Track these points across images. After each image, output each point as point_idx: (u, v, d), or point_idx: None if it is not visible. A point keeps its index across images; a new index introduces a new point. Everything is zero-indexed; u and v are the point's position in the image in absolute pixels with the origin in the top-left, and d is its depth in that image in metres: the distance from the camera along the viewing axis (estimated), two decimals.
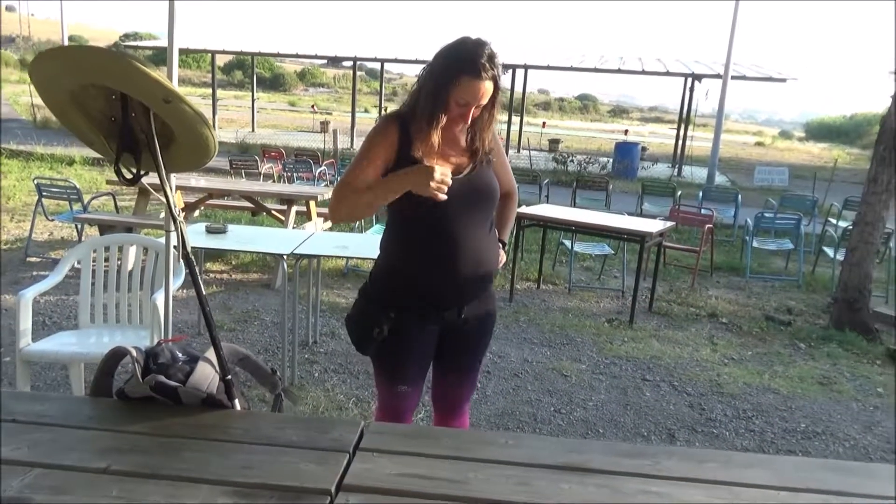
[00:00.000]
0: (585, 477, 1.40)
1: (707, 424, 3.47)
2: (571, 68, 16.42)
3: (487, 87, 1.78)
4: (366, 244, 3.72)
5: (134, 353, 1.53)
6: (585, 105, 55.34)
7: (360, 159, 1.87)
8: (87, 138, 1.36)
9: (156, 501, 1.22)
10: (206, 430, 1.51)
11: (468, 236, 1.89)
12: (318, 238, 3.86)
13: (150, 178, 1.43)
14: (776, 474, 1.48)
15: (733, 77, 14.81)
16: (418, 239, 1.90)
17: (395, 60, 17.22)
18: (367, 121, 25.76)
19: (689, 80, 16.74)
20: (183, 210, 6.26)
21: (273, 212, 6.12)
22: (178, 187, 6.14)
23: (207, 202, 6.33)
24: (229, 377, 1.60)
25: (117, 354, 1.62)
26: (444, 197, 1.76)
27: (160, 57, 9.38)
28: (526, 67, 16.63)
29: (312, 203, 5.91)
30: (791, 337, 4.98)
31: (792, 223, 6.95)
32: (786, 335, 5.01)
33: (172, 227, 2.59)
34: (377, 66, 22.18)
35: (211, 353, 1.60)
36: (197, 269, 1.53)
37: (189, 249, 1.44)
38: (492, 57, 1.76)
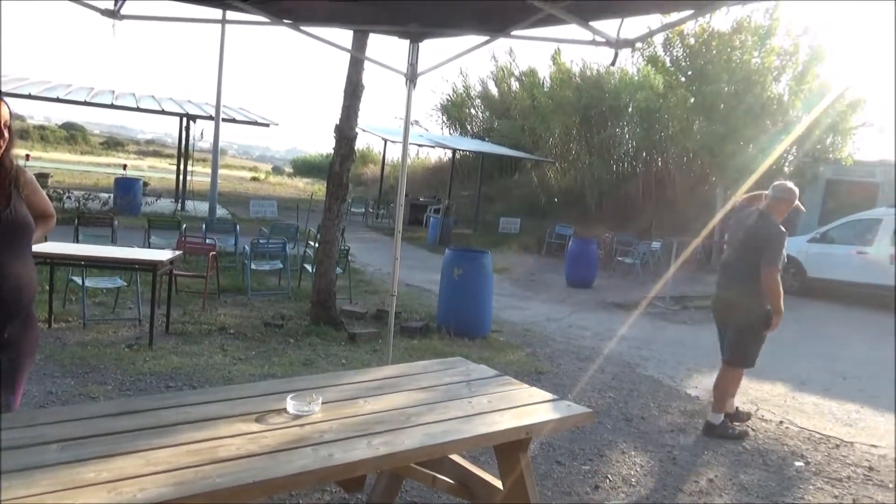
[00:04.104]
0: (138, 415, 2.11)
1: None
2: (58, 100, 15.42)
3: (5, 109, 2.28)
4: None
5: None
6: (73, 135, 50.42)
7: None
8: None
9: None
10: None
11: (9, 265, 2.32)
12: None
13: None
14: (316, 382, 2.46)
15: (224, 119, 16.30)
16: None
17: None
18: None
19: (185, 119, 17.61)
20: None
21: None
22: None
23: None
24: None
25: None
26: None
27: None
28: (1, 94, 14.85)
29: None
30: (284, 336, 6.28)
31: (280, 247, 8.47)
32: (280, 335, 6.29)
33: None
34: None
35: None
36: None
37: None
38: None
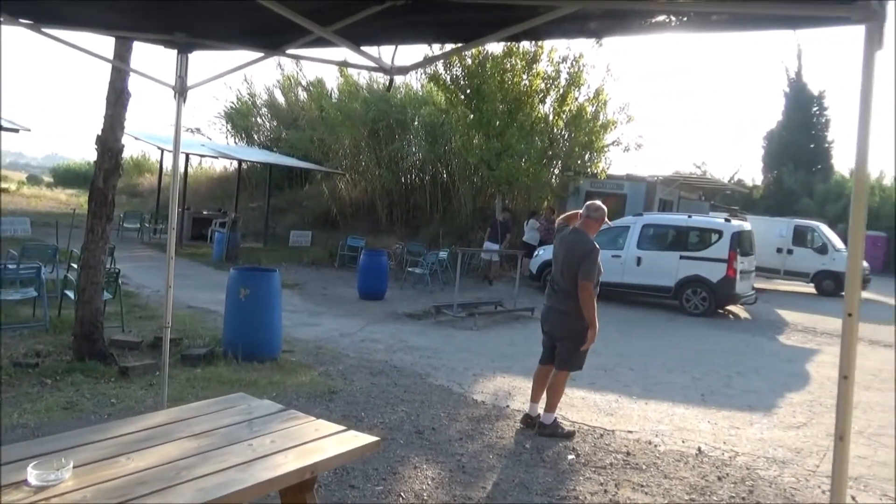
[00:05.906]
0: None
1: None
2: None
3: None
4: None
5: None
6: None
7: None
8: None
9: None
10: None
11: None
12: None
13: None
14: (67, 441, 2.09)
15: None
16: None
17: None
18: None
19: None
20: None
21: None
22: None
23: None
24: None
25: None
26: None
27: None
28: None
29: None
30: (39, 376, 5.49)
31: (34, 272, 7.40)
32: (34, 376, 5.48)
33: None
34: None
35: None
36: None
37: None
38: None
